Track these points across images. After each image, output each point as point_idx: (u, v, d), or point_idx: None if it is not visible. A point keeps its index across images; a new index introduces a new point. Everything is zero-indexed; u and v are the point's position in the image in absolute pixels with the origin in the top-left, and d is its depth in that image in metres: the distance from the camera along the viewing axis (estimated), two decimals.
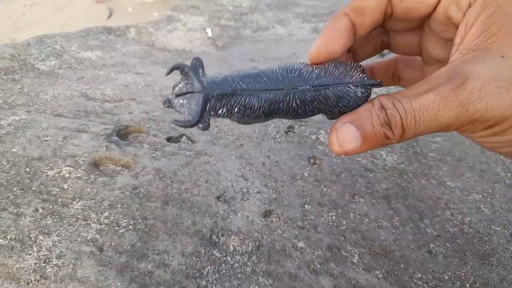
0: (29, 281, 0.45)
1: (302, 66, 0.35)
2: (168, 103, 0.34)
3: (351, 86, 0.35)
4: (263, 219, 0.52)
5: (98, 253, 0.47)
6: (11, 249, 0.48)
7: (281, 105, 0.34)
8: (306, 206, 0.53)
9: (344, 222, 0.52)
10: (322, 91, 0.34)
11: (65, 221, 0.51)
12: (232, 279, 0.45)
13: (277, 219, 0.52)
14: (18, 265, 0.46)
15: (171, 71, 0.33)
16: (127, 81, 0.82)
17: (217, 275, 0.46)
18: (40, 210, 0.52)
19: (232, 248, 0.49)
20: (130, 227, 0.50)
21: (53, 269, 0.46)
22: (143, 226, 0.50)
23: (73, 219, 0.51)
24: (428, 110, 0.29)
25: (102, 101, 0.74)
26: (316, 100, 0.34)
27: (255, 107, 0.34)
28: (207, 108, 0.32)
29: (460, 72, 0.30)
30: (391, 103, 0.31)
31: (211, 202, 0.53)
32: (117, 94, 0.77)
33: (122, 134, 0.66)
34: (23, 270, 0.46)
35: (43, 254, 0.47)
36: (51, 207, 0.53)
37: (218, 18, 1.22)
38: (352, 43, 0.36)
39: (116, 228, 0.50)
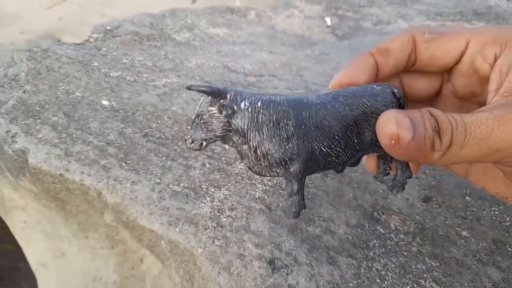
0: (207, 226, 0.48)
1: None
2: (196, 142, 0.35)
3: (374, 86, 0.36)
4: (423, 203, 0.52)
5: (267, 211, 0.50)
6: (186, 196, 0.52)
7: (310, 99, 0.35)
8: (467, 197, 0.53)
9: (507, 219, 0.51)
10: (349, 90, 0.36)
11: (232, 178, 0.54)
12: (398, 256, 0.47)
13: (437, 205, 0.52)
14: (195, 211, 0.50)
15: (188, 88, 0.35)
16: (263, 59, 0.85)
17: (383, 249, 0.47)
18: (207, 165, 0.56)
19: (393, 227, 0.50)
20: None
21: (227, 219, 0.49)
22: (306, 193, 0.53)
23: (239, 177, 0.54)
24: (481, 127, 0.28)
25: (244, 75, 0.78)
26: (348, 99, 0.35)
27: (278, 100, 0.34)
28: (229, 94, 0.33)
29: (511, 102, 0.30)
30: (442, 113, 0.30)
31: (369, 179, 0.55)
32: (256, 69, 0.80)
33: None
34: (199, 216, 0.49)
35: (216, 204, 0.51)
36: (216, 163, 0.56)
37: (336, 8, 1.23)
38: (373, 81, 0.37)
39: (281, 191, 0.53)
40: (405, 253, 0.47)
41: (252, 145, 0.34)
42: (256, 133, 0.33)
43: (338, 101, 0.35)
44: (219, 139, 0.35)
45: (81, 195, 0.57)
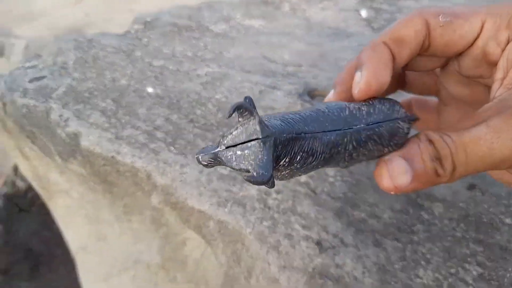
0: (254, 208, 0.51)
1: (349, 104, 0.33)
2: (210, 161, 0.27)
3: (400, 122, 0.34)
4: (467, 191, 0.54)
5: (313, 195, 0.53)
6: (233, 179, 0.55)
7: (339, 149, 0.31)
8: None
9: None
10: (376, 129, 0.32)
11: None
12: (443, 240, 0.48)
13: (480, 193, 0.54)
14: (242, 193, 0.53)
15: (233, 111, 0.26)
16: (300, 49, 0.87)
17: (427, 234, 0.49)
18: None
19: (437, 214, 0.52)
20: (338, 177, 0.55)
21: (274, 201, 0.52)
22: (350, 179, 0.55)
23: None
24: (479, 143, 0.28)
25: (283, 65, 0.80)
26: (370, 140, 0.32)
27: (318, 153, 0.30)
28: (276, 151, 0.27)
29: (510, 104, 0.29)
30: (439, 137, 0.29)
31: None
32: (295, 60, 0.83)
33: (311, 96, 0.71)
34: (247, 198, 0.52)
35: (262, 188, 0.54)
36: None
37: (371, 1, 1.24)
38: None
39: (325, 176, 0.55)
40: (449, 238, 0.49)
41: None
42: (285, 171, 0.30)
43: (366, 147, 0.33)
44: None
45: (131, 177, 0.60)
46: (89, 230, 0.84)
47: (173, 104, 0.68)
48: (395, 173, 0.29)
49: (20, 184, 1.21)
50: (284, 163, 0.28)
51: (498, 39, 0.32)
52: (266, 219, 0.50)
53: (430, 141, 0.29)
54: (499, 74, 0.32)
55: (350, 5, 1.22)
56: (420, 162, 0.29)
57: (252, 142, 0.26)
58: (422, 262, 0.46)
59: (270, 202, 0.52)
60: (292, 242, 0.48)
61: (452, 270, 0.46)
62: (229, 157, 0.26)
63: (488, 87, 0.37)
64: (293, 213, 0.50)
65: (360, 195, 0.53)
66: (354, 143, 0.32)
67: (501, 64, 0.32)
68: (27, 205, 1.18)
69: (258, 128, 0.25)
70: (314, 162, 0.30)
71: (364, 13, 1.17)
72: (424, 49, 0.35)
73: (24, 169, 0.88)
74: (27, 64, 0.82)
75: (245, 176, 0.25)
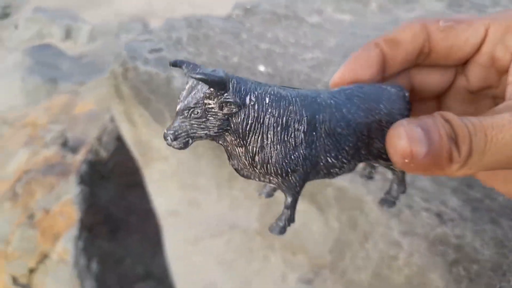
0: (375, 178, 0.56)
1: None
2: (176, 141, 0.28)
3: (389, 87, 0.33)
4: None
5: None
6: None
7: (323, 98, 0.31)
8: None
9: None
10: (365, 90, 0.32)
11: None
12: None
13: None
14: (361, 164, 0.58)
15: (173, 65, 0.29)
16: None
17: None
18: None
19: None
20: None
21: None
22: None
23: None
24: (502, 130, 0.25)
25: None
26: (365, 103, 0.31)
27: (290, 97, 0.29)
28: (231, 83, 0.27)
29: None
30: (457, 117, 0.27)
31: None
32: None
33: None
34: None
35: None
36: None
37: (459, 6, 1.27)
38: (380, 79, 0.33)
39: None
40: None
41: (250, 150, 0.29)
42: (259, 137, 0.28)
43: (353, 104, 0.31)
44: (209, 138, 0.28)
45: None
46: (180, 196, 0.91)
47: (285, 81, 0.74)
48: (413, 136, 0.26)
49: (103, 153, 1.31)
50: (252, 102, 0.28)
51: (506, 43, 0.31)
52: (386, 189, 0.55)
53: (446, 120, 0.26)
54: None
55: (437, 9, 1.25)
56: (436, 136, 0.26)
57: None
58: None
59: (390, 175, 0.56)
60: (413, 211, 0.52)
61: None
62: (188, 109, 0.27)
63: (496, 100, 0.37)
64: (413, 187, 0.55)
65: (471, 180, 0.57)
66: (340, 96, 0.32)
67: None
68: (108, 172, 1.28)
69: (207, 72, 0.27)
70: (291, 107, 0.29)
71: None
72: (425, 56, 0.34)
73: (127, 135, 0.96)
74: (141, 38, 0.90)
75: (195, 73, 0.26)
